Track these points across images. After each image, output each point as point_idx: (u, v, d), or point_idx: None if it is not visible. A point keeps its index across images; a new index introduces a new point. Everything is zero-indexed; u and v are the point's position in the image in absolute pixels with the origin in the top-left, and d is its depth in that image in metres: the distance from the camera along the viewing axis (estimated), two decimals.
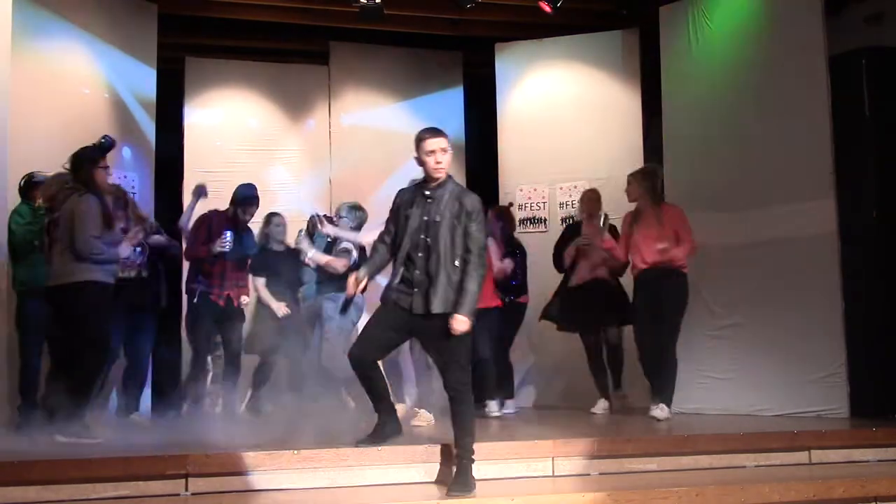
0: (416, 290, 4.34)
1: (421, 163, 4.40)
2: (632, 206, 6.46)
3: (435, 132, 4.40)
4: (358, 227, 6.50)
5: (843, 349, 5.98)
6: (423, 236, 4.35)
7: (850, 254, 6.08)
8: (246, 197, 6.43)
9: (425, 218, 4.36)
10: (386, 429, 4.60)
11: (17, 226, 5.68)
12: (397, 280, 4.42)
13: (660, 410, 6.03)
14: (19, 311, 5.70)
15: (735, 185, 6.59)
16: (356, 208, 6.62)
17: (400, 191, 4.60)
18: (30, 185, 5.80)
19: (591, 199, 6.94)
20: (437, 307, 4.29)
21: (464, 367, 4.34)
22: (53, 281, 5.08)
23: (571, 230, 7.13)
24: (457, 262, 4.31)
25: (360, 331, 5.68)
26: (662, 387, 6.14)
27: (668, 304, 6.15)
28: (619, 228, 6.64)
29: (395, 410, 4.70)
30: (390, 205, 4.61)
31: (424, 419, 5.71)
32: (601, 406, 6.70)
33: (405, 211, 4.43)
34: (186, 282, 6.58)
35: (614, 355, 6.86)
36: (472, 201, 4.36)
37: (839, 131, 6.14)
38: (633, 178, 6.46)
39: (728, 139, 6.70)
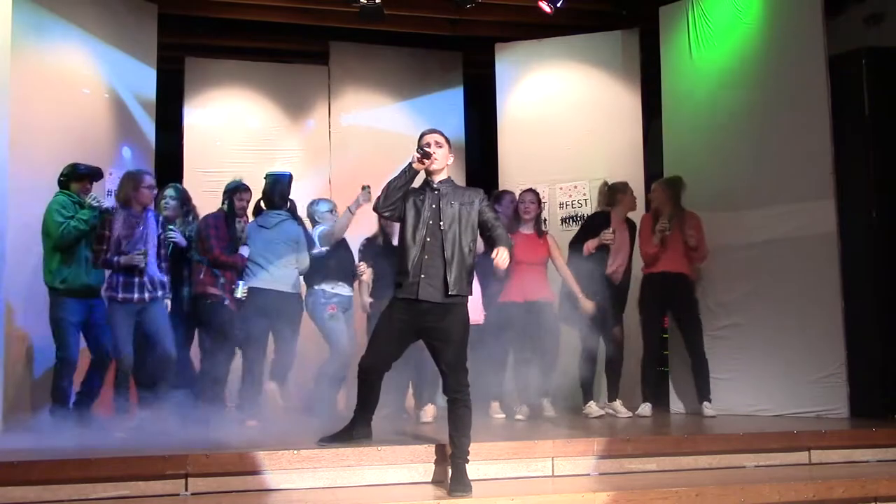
0: (423, 276, 4.42)
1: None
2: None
3: (427, 131, 4.66)
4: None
5: (842, 349, 5.98)
6: (432, 223, 4.47)
7: (850, 254, 6.09)
8: (236, 185, 6.28)
9: (434, 206, 4.50)
10: (354, 431, 4.67)
11: (64, 218, 5.54)
12: (407, 270, 4.45)
13: (710, 408, 6.27)
14: (59, 308, 5.56)
15: (735, 185, 6.59)
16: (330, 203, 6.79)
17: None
18: (74, 176, 5.70)
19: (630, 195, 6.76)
20: (452, 289, 4.40)
21: (465, 368, 4.40)
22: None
23: (598, 219, 6.70)
24: (467, 248, 4.47)
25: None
26: (705, 385, 6.39)
27: (687, 306, 6.48)
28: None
29: (371, 420, 4.75)
30: None
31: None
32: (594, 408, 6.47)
33: (414, 200, 4.54)
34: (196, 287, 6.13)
35: (617, 356, 6.62)
36: (476, 190, 4.66)
37: (839, 131, 6.15)
38: (659, 185, 6.65)
39: (728, 139, 6.70)
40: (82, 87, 6.85)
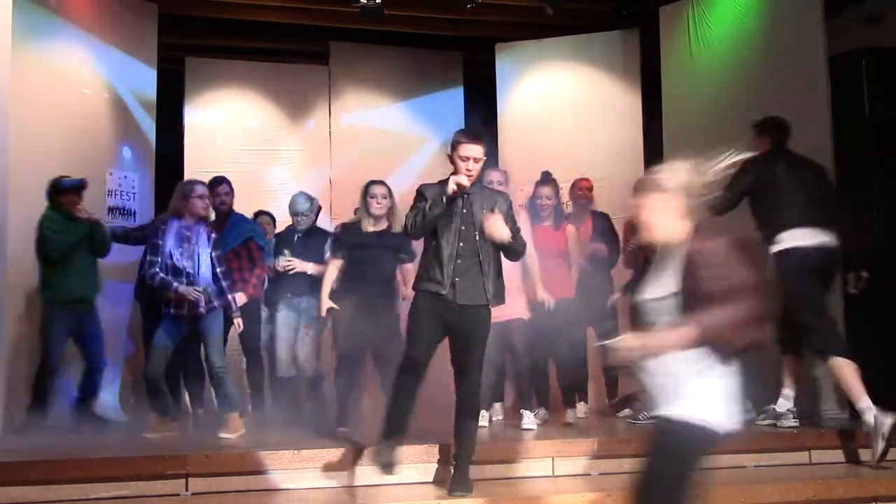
0: (457, 279, 4.30)
1: (452, 163, 4.39)
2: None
3: (473, 138, 4.36)
4: (315, 216, 6.45)
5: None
6: (465, 229, 4.35)
7: (850, 254, 6.07)
8: (210, 182, 6.01)
9: (465, 211, 4.36)
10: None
11: (53, 233, 5.62)
12: (441, 276, 4.32)
13: None
14: (49, 317, 5.68)
15: None
16: (310, 199, 6.43)
17: (427, 186, 4.47)
18: (58, 191, 5.73)
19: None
20: (492, 300, 4.36)
21: (481, 370, 4.35)
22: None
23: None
24: (497, 254, 4.41)
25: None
26: None
27: None
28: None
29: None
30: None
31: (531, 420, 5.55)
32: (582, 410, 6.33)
33: (445, 201, 4.35)
34: None
35: None
36: (502, 194, 4.60)
37: (839, 131, 6.14)
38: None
39: (728, 139, 6.57)
40: (82, 87, 6.84)
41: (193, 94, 8.56)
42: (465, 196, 4.38)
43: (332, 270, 5.60)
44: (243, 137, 8.61)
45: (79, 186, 5.79)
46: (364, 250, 5.49)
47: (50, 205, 5.75)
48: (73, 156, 6.42)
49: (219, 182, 6.17)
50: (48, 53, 6.45)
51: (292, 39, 8.74)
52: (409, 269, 5.61)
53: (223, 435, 5.17)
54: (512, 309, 5.33)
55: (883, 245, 6.14)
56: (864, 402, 4.95)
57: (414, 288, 4.46)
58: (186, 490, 4.22)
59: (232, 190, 6.25)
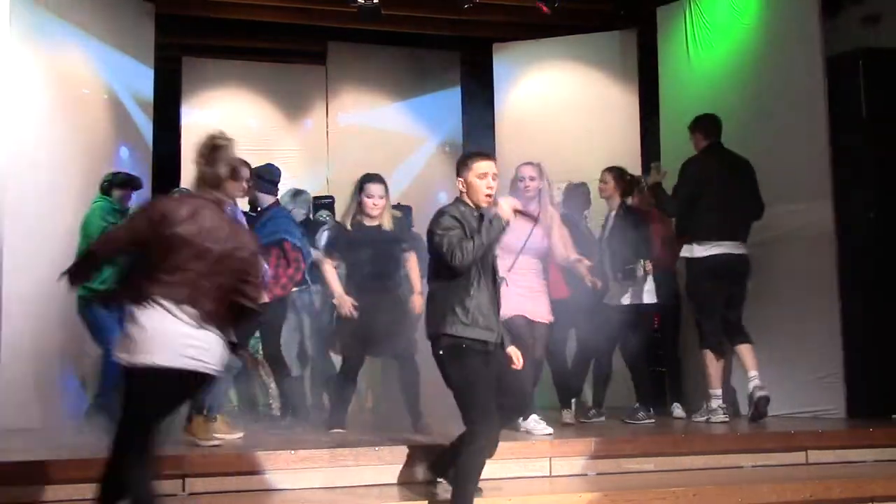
0: (495, 319, 4.03)
1: (467, 185, 4.05)
2: None
3: (485, 155, 4.11)
4: (308, 212, 6.36)
5: (839, 350, 5.99)
6: (489, 265, 4.09)
7: (848, 254, 6.10)
8: None
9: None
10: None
11: (108, 223, 5.48)
12: (477, 316, 3.94)
13: (680, 409, 6.26)
14: (97, 308, 5.43)
15: None
16: (298, 193, 6.42)
17: (450, 209, 4.04)
18: (115, 183, 5.73)
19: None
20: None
21: None
22: None
23: None
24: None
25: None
26: (678, 387, 6.51)
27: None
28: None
29: None
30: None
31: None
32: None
33: (471, 234, 3.96)
34: None
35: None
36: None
37: (836, 132, 6.15)
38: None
39: (725, 140, 6.69)
40: (81, 87, 6.82)
41: (191, 93, 8.57)
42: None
43: (331, 269, 5.37)
44: (241, 137, 8.33)
45: (135, 183, 5.86)
46: (358, 251, 5.24)
47: (102, 196, 5.73)
48: (71, 156, 6.40)
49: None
50: (46, 53, 6.44)
51: (290, 39, 8.74)
52: (413, 261, 5.43)
53: (229, 436, 5.07)
54: (535, 311, 5.31)
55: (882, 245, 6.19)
56: (717, 391, 5.86)
57: (446, 332, 3.91)
58: (184, 490, 4.21)
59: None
